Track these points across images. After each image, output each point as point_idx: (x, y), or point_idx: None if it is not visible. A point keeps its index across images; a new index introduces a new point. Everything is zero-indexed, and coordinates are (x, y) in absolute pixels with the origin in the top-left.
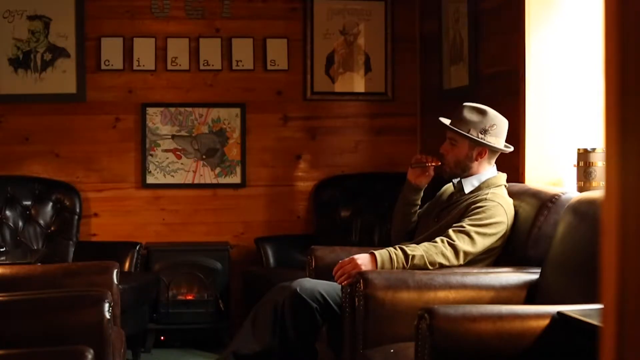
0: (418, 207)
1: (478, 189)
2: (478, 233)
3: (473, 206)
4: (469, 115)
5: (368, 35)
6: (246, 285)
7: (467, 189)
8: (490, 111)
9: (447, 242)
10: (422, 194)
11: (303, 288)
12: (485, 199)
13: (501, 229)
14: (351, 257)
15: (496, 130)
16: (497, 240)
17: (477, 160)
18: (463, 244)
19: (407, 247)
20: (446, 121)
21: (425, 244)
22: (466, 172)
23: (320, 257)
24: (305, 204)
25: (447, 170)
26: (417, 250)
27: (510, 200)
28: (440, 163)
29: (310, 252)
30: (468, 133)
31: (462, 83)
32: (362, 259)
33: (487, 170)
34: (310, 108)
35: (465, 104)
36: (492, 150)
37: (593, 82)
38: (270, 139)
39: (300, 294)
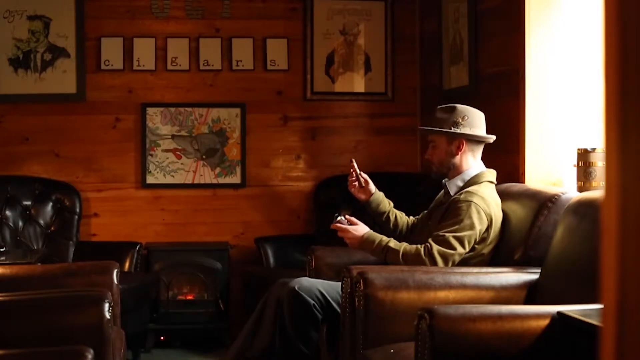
0: (388, 211)
1: (461, 189)
2: (456, 238)
3: (450, 209)
4: (440, 114)
5: (368, 35)
6: (246, 285)
7: (452, 191)
8: (460, 106)
9: (428, 251)
10: (381, 198)
11: (302, 286)
12: (459, 200)
13: (479, 228)
14: (351, 228)
15: (469, 120)
16: (480, 237)
17: (457, 154)
18: (444, 249)
19: (392, 242)
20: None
21: (407, 247)
22: (452, 170)
23: (320, 257)
24: (305, 204)
25: (435, 170)
26: (398, 249)
27: (493, 195)
28: (352, 161)
29: (310, 252)
30: (440, 128)
31: (462, 83)
32: (353, 239)
33: (472, 168)
34: (310, 108)
35: (438, 107)
36: (471, 140)
37: (593, 82)
38: (270, 139)
39: (298, 291)
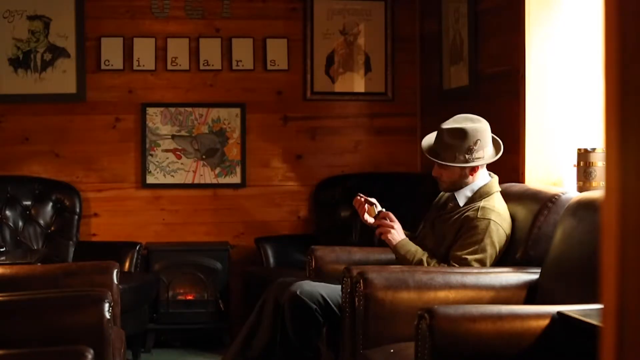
0: None
1: (471, 199)
2: (478, 260)
3: (467, 225)
4: (449, 140)
5: (368, 35)
6: (246, 285)
7: (462, 201)
8: (469, 127)
9: None
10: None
11: (303, 290)
12: (476, 217)
13: (498, 247)
14: (393, 231)
15: (481, 143)
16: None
17: (472, 175)
18: None
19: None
20: (429, 140)
21: (436, 266)
22: (464, 187)
23: (320, 257)
24: (305, 204)
25: (445, 187)
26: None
27: (503, 206)
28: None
29: (310, 252)
30: (454, 161)
31: (462, 83)
32: (391, 240)
33: (480, 178)
34: (310, 108)
35: (443, 127)
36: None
37: (593, 82)
38: (270, 139)
39: (300, 296)
